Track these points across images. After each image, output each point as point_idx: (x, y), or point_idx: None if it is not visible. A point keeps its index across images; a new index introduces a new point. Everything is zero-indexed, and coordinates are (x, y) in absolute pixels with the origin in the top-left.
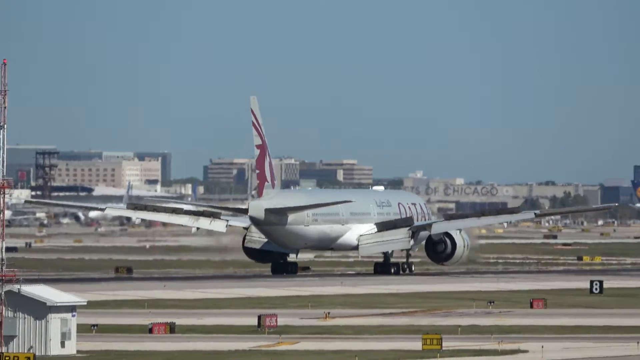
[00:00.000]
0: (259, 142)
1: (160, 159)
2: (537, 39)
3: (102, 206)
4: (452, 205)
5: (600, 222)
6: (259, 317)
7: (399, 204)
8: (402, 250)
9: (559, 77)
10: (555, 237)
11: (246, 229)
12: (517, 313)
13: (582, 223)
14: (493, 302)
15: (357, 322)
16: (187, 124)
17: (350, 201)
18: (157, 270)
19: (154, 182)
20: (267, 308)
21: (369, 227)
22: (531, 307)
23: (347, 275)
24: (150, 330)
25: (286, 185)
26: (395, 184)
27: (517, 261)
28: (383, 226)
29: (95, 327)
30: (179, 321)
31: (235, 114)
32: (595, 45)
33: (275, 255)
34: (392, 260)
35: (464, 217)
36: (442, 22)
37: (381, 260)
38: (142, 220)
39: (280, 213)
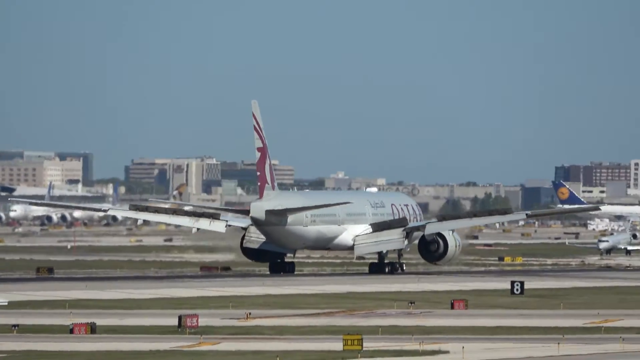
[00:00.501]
0: (260, 145)
1: (81, 159)
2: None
3: (105, 207)
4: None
5: (521, 223)
6: (180, 318)
7: (392, 205)
8: (394, 250)
9: (476, 77)
10: (476, 237)
11: (245, 229)
12: (438, 313)
13: (502, 224)
14: (414, 303)
15: (279, 322)
16: (109, 124)
17: (349, 202)
18: (78, 271)
19: (76, 181)
20: (188, 308)
21: (364, 228)
22: (452, 307)
23: (337, 274)
24: (71, 331)
25: (208, 185)
26: (316, 184)
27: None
28: (378, 227)
29: (16, 328)
30: (100, 321)
31: (159, 114)
32: (518, 45)
33: (273, 255)
34: (386, 260)
35: (456, 217)
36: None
37: (376, 260)
38: (127, 218)
39: (280, 214)
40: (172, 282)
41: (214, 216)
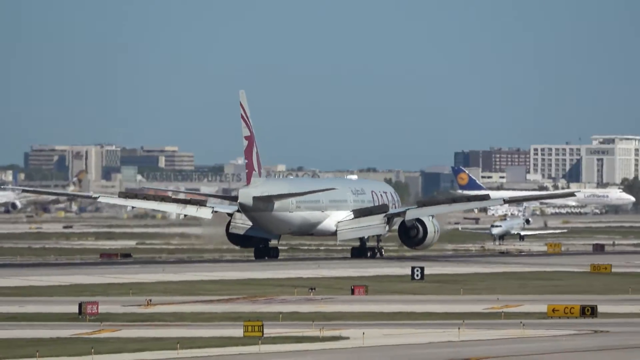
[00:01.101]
0: (248, 133)
1: None
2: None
3: (95, 195)
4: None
5: None
6: (80, 305)
7: (372, 192)
8: (374, 236)
9: (373, 67)
10: None
11: (230, 215)
12: (339, 299)
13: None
14: (314, 289)
15: (179, 309)
16: (5, 111)
17: (334, 189)
18: None
19: None
20: (89, 295)
21: (346, 214)
22: (352, 293)
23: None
24: None
25: (107, 172)
26: (216, 170)
27: (339, 248)
28: (360, 213)
29: None
30: None
31: (57, 100)
32: (412, 30)
33: (258, 240)
34: (368, 245)
35: (435, 203)
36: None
37: (358, 245)
38: (132, 207)
39: (267, 200)
40: (72, 269)
41: (201, 203)
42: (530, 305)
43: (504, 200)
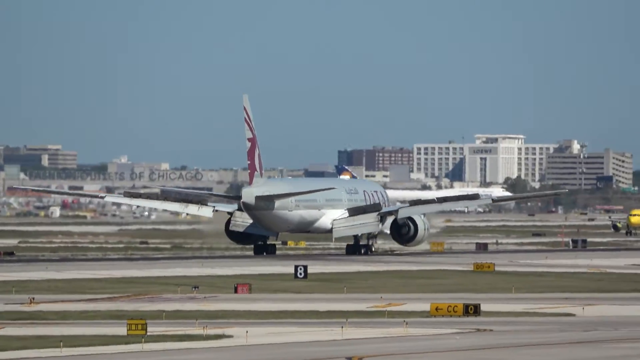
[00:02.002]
0: (250, 135)
1: None
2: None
3: (102, 194)
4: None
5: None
6: None
7: (364, 191)
8: (368, 233)
9: (255, 64)
10: None
11: (230, 214)
12: (222, 298)
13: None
14: (198, 287)
15: (62, 307)
16: None
17: (333, 188)
18: None
19: None
20: None
21: (341, 213)
22: (236, 292)
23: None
24: None
25: None
26: (99, 169)
27: (223, 246)
28: (354, 211)
29: None
30: None
31: None
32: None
33: (256, 237)
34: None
35: (427, 203)
36: None
37: (352, 242)
38: (137, 206)
39: (269, 199)
40: None
41: (202, 202)
42: (413, 304)
43: (492, 199)
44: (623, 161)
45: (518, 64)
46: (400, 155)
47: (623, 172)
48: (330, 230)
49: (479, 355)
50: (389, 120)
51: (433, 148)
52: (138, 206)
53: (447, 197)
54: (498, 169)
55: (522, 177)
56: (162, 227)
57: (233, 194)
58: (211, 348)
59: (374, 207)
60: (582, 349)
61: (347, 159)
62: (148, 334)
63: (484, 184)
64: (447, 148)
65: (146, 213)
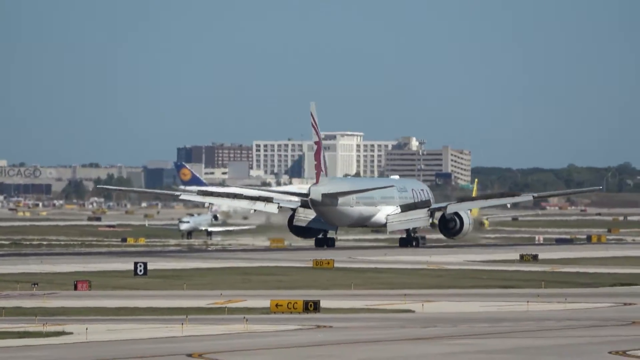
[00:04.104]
0: (317, 139)
1: None
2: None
3: (177, 192)
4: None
5: (144, 204)
6: None
7: (412, 189)
8: (416, 227)
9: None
10: (99, 219)
11: (294, 210)
12: (62, 295)
13: (125, 205)
14: (37, 284)
15: None
16: None
17: (392, 186)
18: None
19: None
20: None
21: (394, 209)
22: (75, 288)
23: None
24: None
25: None
26: None
27: (62, 243)
28: (406, 207)
29: None
30: None
31: None
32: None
33: (317, 231)
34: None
35: (472, 199)
36: None
37: (404, 236)
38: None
39: (334, 197)
40: None
41: (268, 199)
42: (253, 301)
43: (533, 196)
44: (462, 158)
45: (354, 65)
46: (240, 152)
47: (462, 168)
48: (384, 225)
49: (319, 351)
50: (229, 117)
51: (272, 145)
52: (211, 203)
53: (491, 194)
54: (337, 165)
55: (361, 173)
56: (1, 223)
57: (72, 190)
58: (51, 345)
59: (424, 204)
60: (422, 346)
61: (186, 156)
62: None
63: None
64: (287, 145)
65: None
